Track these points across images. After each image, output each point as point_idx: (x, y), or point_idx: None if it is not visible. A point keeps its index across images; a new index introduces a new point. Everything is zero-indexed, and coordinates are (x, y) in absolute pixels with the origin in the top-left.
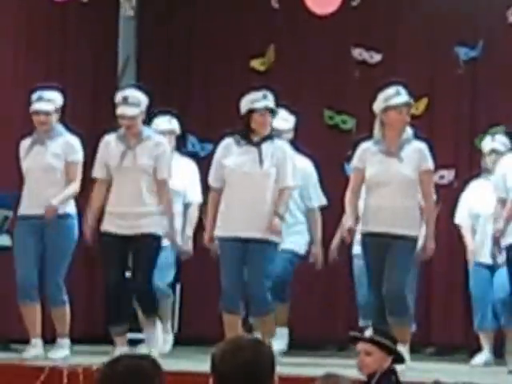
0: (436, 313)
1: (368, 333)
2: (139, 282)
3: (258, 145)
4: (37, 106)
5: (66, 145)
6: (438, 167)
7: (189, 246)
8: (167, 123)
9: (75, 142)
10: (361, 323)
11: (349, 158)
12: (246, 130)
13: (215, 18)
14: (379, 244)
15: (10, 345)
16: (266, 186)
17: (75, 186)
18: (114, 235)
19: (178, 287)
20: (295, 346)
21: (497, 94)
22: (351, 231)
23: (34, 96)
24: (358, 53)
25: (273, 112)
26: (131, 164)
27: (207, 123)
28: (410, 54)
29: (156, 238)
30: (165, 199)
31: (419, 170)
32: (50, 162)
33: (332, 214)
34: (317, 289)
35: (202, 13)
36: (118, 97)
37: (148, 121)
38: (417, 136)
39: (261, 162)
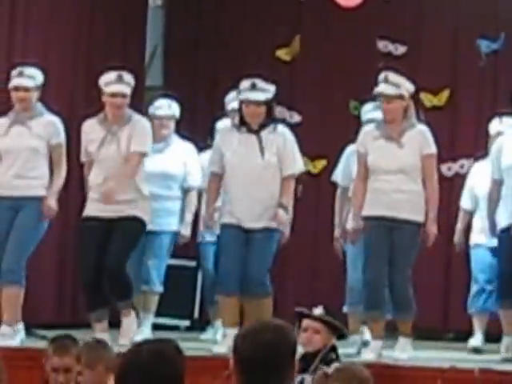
0: (454, 299)
1: (318, 311)
2: (111, 264)
3: (257, 133)
4: (17, 81)
5: (48, 125)
6: (458, 157)
7: (187, 231)
8: (166, 108)
9: (57, 122)
10: (345, 309)
11: None
12: (241, 118)
13: (243, 8)
14: (380, 227)
15: (30, 329)
16: (267, 176)
17: (62, 173)
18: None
19: (199, 273)
20: None
21: None
22: (357, 232)
23: (14, 72)
24: (383, 45)
25: (266, 103)
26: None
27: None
28: (433, 47)
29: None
30: None
31: (421, 154)
32: (32, 144)
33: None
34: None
35: (229, 3)
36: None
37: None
38: (420, 120)
39: (262, 152)
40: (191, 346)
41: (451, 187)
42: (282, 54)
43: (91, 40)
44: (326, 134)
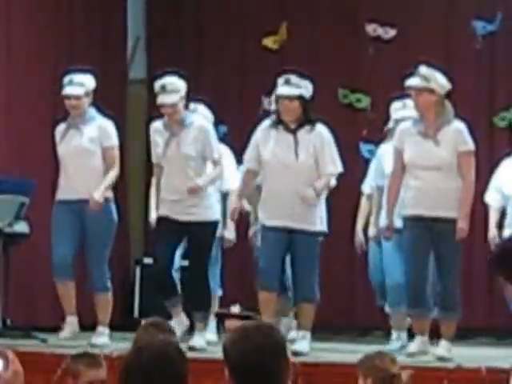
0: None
1: (236, 309)
2: (194, 272)
3: (294, 132)
4: (67, 90)
5: (100, 129)
6: None
7: (232, 235)
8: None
9: (109, 126)
10: (386, 308)
11: (364, 138)
12: (277, 116)
13: None
14: (420, 227)
15: (32, 333)
16: (303, 176)
17: (114, 173)
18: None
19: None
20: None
21: None
22: (390, 229)
23: (65, 80)
24: (372, 28)
25: (300, 97)
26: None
27: (219, 103)
28: (425, 29)
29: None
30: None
31: (457, 151)
32: (86, 147)
33: (346, 193)
34: (337, 273)
35: None
36: (157, 86)
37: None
38: (459, 117)
39: (296, 153)
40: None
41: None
42: (269, 42)
43: (71, 35)
44: None
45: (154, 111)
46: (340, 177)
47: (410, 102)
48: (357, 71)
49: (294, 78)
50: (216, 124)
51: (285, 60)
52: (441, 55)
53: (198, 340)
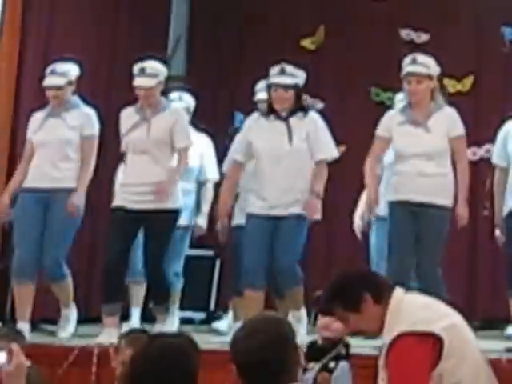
0: (480, 285)
1: None
2: (150, 264)
3: (286, 119)
4: (47, 80)
5: (83, 117)
6: (483, 142)
7: (204, 222)
8: (177, 101)
9: (92, 114)
10: None
11: None
12: (269, 105)
13: None
14: (405, 212)
15: (40, 325)
16: (297, 162)
17: (91, 167)
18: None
19: (217, 263)
20: None
21: None
22: (372, 208)
23: (48, 70)
24: (405, 33)
25: (295, 88)
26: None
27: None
28: (456, 34)
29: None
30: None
31: (449, 136)
32: (66, 136)
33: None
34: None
35: None
36: (136, 68)
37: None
38: (448, 102)
39: (290, 138)
40: (206, 340)
41: (476, 172)
42: (307, 43)
43: (115, 31)
44: (347, 121)
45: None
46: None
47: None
48: (389, 72)
49: (288, 68)
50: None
51: (321, 60)
52: (471, 59)
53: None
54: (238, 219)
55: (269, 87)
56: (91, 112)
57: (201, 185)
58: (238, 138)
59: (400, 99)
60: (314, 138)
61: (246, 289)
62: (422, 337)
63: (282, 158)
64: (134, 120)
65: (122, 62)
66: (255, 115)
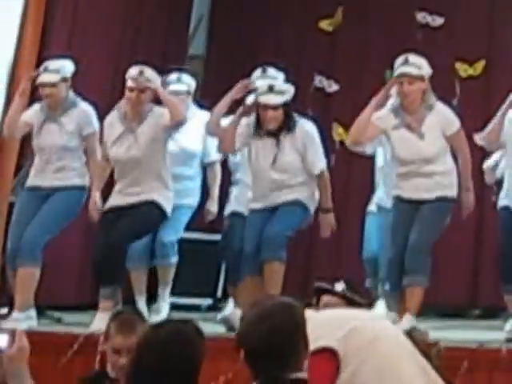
0: (483, 274)
1: (340, 287)
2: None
3: (276, 135)
4: (41, 78)
5: (80, 117)
6: None
7: (215, 207)
8: (176, 84)
9: (89, 111)
10: (367, 283)
11: None
12: (257, 122)
13: None
14: (407, 209)
15: (46, 311)
16: (288, 175)
17: (96, 162)
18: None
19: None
20: None
21: None
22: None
23: (41, 68)
24: (421, 16)
25: (285, 105)
26: None
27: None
28: (471, 18)
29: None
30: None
31: (445, 135)
32: (65, 143)
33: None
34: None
35: None
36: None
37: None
38: (439, 98)
39: (274, 160)
40: (213, 327)
41: (485, 157)
42: (325, 24)
43: (140, 12)
44: (361, 103)
45: (210, 88)
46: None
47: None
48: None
49: (277, 85)
50: None
51: (338, 42)
52: (483, 43)
53: (96, 323)
54: (234, 206)
55: (258, 104)
56: (88, 109)
57: (206, 167)
58: (240, 128)
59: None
60: (310, 151)
61: (246, 276)
62: (320, 354)
63: (273, 172)
64: (119, 131)
65: (144, 47)
66: (250, 120)
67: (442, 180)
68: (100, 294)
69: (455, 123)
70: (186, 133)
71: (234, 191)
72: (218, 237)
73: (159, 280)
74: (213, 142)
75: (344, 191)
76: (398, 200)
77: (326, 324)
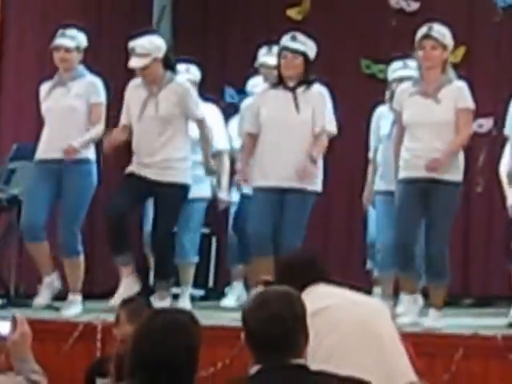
0: (474, 263)
1: None
2: (159, 236)
3: (292, 90)
4: (58, 41)
5: (89, 86)
6: (476, 116)
7: (225, 196)
8: (184, 73)
9: (98, 82)
10: (368, 265)
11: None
12: (278, 73)
13: None
14: (415, 189)
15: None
16: (303, 133)
17: (98, 129)
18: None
19: (214, 240)
20: None
21: None
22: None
23: (58, 33)
24: (394, 1)
25: (303, 54)
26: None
27: (245, 73)
28: (447, 2)
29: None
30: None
31: (455, 108)
32: (71, 103)
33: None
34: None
35: None
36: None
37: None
38: (459, 76)
39: (297, 108)
40: (207, 316)
41: (470, 147)
42: (293, 13)
43: (100, 4)
44: (336, 95)
45: None
46: (364, 147)
47: (411, 62)
48: (380, 43)
49: (300, 36)
50: (241, 93)
51: (308, 31)
52: (462, 29)
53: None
54: (244, 188)
55: (279, 55)
56: (97, 80)
57: (214, 157)
58: (249, 109)
59: (396, 68)
60: (319, 110)
61: (255, 256)
62: None
63: (290, 127)
64: (142, 96)
65: (107, 36)
66: (264, 87)
67: (452, 160)
68: (119, 261)
69: (469, 101)
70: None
71: None
72: (206, 230)
73: (180, 279)
74: (221, 131)
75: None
76: (404, 182)
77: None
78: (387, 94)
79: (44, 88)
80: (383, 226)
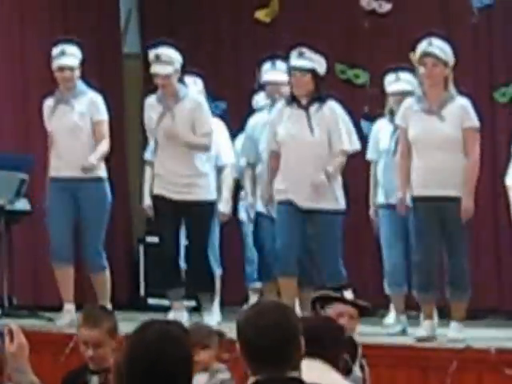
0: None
1: (349, 295)
2: (195, 255)
3: (306, 108)
4: (61, 61)
5: (90, 104)
6: None
7: (227, 208)
8: (193, 85)
9: (98, 99)
10: (387, 291)
11: (365, 115)
12: (291, 91)
13: None
14: (430, 207)
15: (37, 312)
16: (318, 154)
17: (106, 145)
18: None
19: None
20: None
21: None
22: (402, 201)
23: (56, 50)
24: (366, 2)
25: (312, 71)
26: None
27: (214, 78)
28: (421, 2)
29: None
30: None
31: (462, 127)
32: (76, 122)
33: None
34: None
35: None
36: (151, 54)
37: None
38: (460, 92)
39: (311, 129)
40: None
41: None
42: (261, 15)
43: (64, 11)
44: None
45: (149, 86)
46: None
47: (403, 75)
48: (353, 46)
49: (307, 52)
50: (215, 100)
51: (277, 34)
52: (437, 30)
53: (207, 319)
54: (258, 207)
55: (289, 73)
56: (97, 97)
57: (219, 171)
58: (268, 127)
59: (390, 80)
60: (334, 129)
61: (280, 275)
62: None
63: (303, 147)
64: (158, 111)
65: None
66: (280, 104)
67: (458, 176)
68: (171, 296)
69: (475, 120)
70: None
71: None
72: None
73: None
74: (225, 145)
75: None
76: (418, 200)
77: None
78: (386, 107)
79: (47, 105)
80: (390, 245)
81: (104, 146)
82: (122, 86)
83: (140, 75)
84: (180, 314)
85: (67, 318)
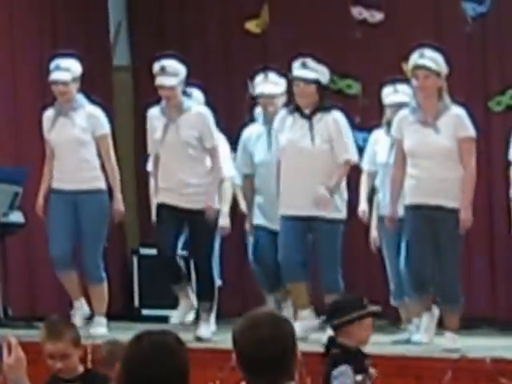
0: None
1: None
2: (198, 262)
3: (309, 118)
4: (54, 75)
5: (91, 118)
6: None
7: (227, 222)
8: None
9: (98, 113)
10: (392, 302)
11: (358, 125)
12: (293, 101)
13: None
14: (422, 216)
15: (33, 323)
16: (319, 163)
17: (114, 166)
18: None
19: (192, 263)
20: None
21: (510, 51)
22: (393, 220)
23: (52, 65)
24: (357, 12)
25: (316, 81)
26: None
27: (205, 89)
28: (413, 12)
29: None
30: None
31: (457, 137)
32: (77, 136)
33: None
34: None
35: None
36: (156, 66)
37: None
38: (455, 102)
39: (312, 138)
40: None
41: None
42: (252, 26)
43: (54, 24)
44: None
45: (140, 98)
46: None
47: (401, 87)
48: (345, 56)
49: (310, 62)
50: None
51: (268, 45)
52: (431, 39)
53: (203, 330)
54: (257, 219)
55: (292, 82)
56: (97, 111)
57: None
58: (274, 137)
59: (388, 93)
60: (336, 139)
61: (288, 282)
62: None
63: (304, 156)
64: (162, 122)
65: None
66: (282, 112)
67: (453, 186)
68: (176, 289)
69: (470, 130)
70: None
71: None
72: (183, 252)
73: None
74: (225, 158)
75: None
76: (411, 208)
77: None
78: (383, 119)
79: (47, 117)
80: (393, 256)
81: (114, 174)
82: (112, 98)
83: (130, 87)
84: (188, 304)
85: (78, 319)
